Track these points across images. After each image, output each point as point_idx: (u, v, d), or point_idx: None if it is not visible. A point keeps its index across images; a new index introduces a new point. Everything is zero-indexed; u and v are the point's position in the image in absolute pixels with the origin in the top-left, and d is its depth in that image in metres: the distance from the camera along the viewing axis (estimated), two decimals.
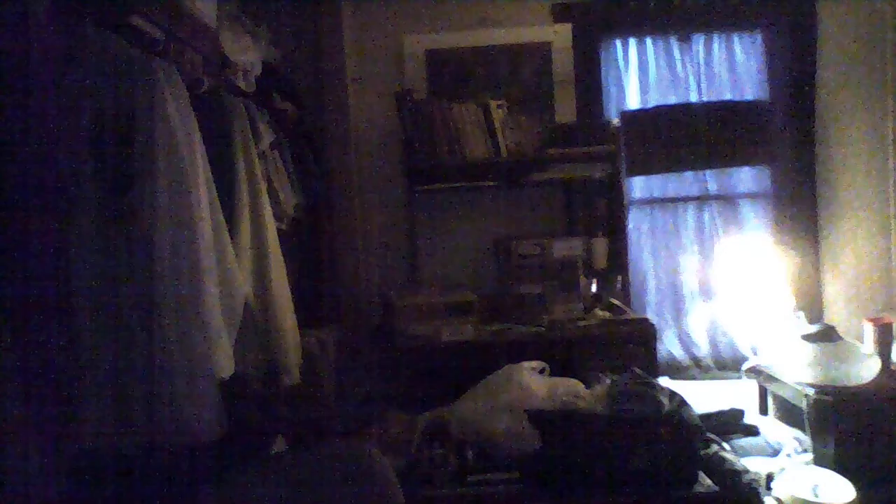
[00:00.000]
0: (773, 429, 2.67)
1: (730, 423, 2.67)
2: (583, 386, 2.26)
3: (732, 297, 3.12)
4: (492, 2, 3.10)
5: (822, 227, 3.10)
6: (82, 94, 1.30)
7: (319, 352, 2.34)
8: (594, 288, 2.88)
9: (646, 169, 3.11)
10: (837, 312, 3.04)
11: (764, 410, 2.89)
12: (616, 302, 2.86)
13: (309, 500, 1.70)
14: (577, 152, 2.83)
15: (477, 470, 2.09)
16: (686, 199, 3.19)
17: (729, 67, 3.15)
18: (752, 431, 2.64)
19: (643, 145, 3.04)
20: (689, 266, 3.17)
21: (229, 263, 1.62)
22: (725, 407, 2.74)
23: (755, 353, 3.03)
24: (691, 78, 3.14)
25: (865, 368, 2.43)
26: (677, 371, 3.10)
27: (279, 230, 2.10)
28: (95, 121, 1.32)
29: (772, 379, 2.69)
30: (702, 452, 2.17)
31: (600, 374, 2.31)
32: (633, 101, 3.15)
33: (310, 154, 2.64)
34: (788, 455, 2.45)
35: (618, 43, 3.14)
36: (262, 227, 1.92)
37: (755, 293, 3.07)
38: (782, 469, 2.30)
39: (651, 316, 3.00)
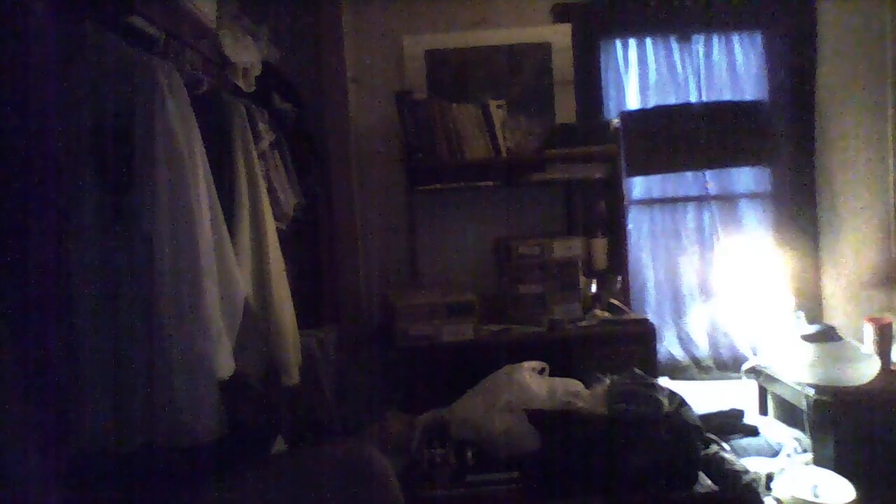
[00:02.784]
0: (773, 429, 2.67)
1: (730, 423, 2.67)
2: (583, 386, 2.26)
3: (732, 297, 3.12)
4: (492, 2, 3.10)
5: (822, 227, 3.10)
6: (82, 94, 1.30)
7: (319, 352, 2.34)
8: (594, 288, 2.88)
9: (646, 169, 3.11)
10: (837, 312, 3.04)
11: (764, 410, 2.89)
12: (616, 302, 2.86)
13: (309, 500, 1.70)
14: (577, 152, 2.83)
15: (477, 470, 2.09)
16: (686, 199, 3.19)
17: (729, 67, 3.15)
18: (752, 431, 2.65)
19: (643, 145, 3.04)
20: (689, 266, 3.17)
21: (229, 263, 1.62)
22: (725, 407, 2.74)
23: (755, 353, 3.03)
24: (691, 78, 3.14)
25: (865, 368, 2.43)
26: (677, 371, 3.10)
27: (279, 230, 2.10)
28: (95, 121, 1.32)
29: (772, 379, 2.69)
30: (702, 452, 2.17)
31: (600, 374, 2.31)
32: (633, 101, 3.15)
33: (310, 154, 2.64)
34: (788, 455, 2.46)
35: (618, 43, 3.14)
36: (262, 227, 1.92)
37: (755, 293, 3.07)
38: (782, 469, 2.30)
39: (651, 316, 3.00)
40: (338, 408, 2.37)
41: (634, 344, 2.60)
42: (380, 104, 3.03)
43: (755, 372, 2.83)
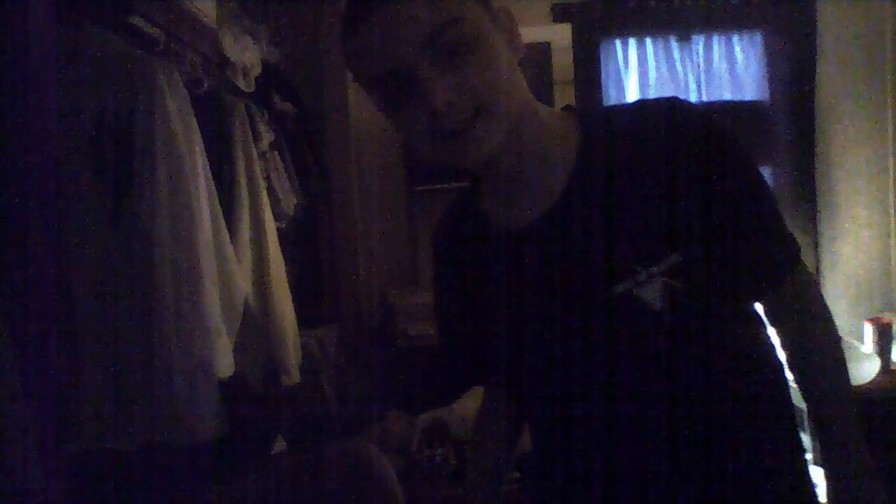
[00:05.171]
0: None
1: None
2: None
3: None
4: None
5: (822, 227, 3.10)
6: (82, 94, 1.30)
7: (319, 352, 2.33)
8: None
9: None
10: (837, 312, 3.04)
11: None
12: None
13: (309, 500, 1.70)
14: None
15: None
16: None
17: (729, 68, 3.15)
18: None
19: None
20: None
21: (229, 263, 1.62)
22: None
23: None
24: (691, 78, 3.14)
25: (865, 368, 2.43)
26: None
27: (279, 230, 2.10)
28: (95, 121, 1.32)
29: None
30: None
31: None
32: None
33: (310, 154, 2.64)
34: None
35: (618, 43, 3.14)
36: (262, 227, 1.92)
37: None
38: None
39: None
40: (338, 408, 2.37)
41: None
42: None
43: None
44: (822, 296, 1.01)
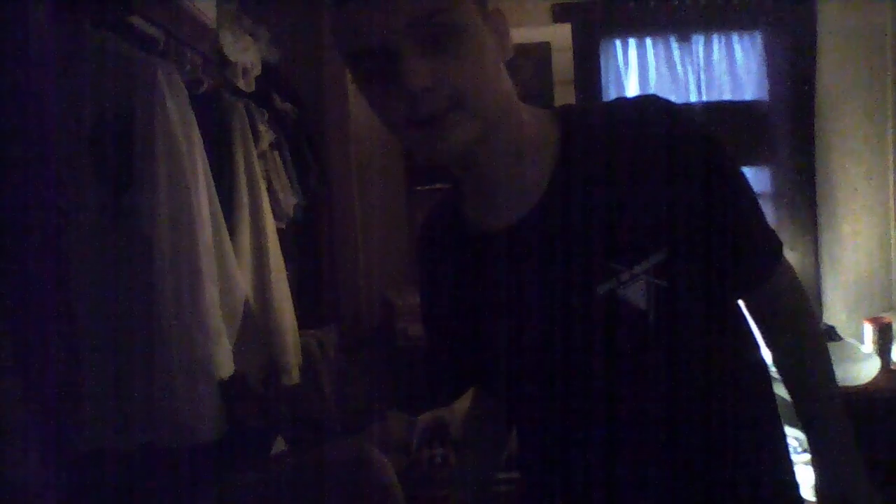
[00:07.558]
0: None
1: None
2: None
3: None
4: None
5: (822, 227, 3.10)
6: (82, 94, 1.30)
7: (319, 352, 2.33)
8: None
9: None
10: (837, 312, 3.04)
11: None
12: None
13: (309, 500, 1.70)
14: None
15: None
16: None
17: (728, 68, 3.15)
18: None
19: None
20: None
21: (229, 263, 1.63)
22: None
23: None
24: (691, 78, 3.14)
25: (865, 368, 2.43)
26: None
27: (279, 230, 2.10)
28: (95, 121, 1.32)
29: (772, 379, 2.69)
30: None
31: None
32: None
33: (310, 154, 2.64)
34: None
35: (618, 43, 3.14)
36: (261, 227, 1.93)
37: None
38: None
39: None
40: (338, 408, 2.37)
41: None
42: None
43: None
44: (804, 291, 1.01)
